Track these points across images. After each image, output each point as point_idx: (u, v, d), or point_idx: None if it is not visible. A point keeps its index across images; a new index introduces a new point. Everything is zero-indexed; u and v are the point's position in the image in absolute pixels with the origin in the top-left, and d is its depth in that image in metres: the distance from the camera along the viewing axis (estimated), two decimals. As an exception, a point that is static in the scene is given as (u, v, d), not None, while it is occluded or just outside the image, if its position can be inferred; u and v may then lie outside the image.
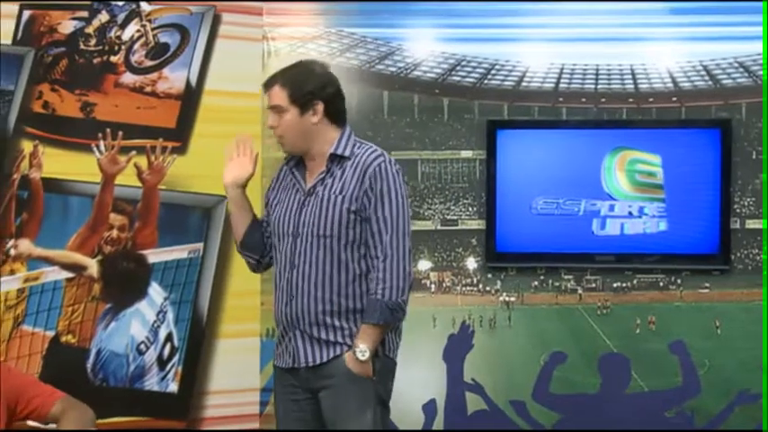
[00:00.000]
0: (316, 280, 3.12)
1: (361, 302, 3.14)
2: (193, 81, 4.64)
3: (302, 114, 3.14)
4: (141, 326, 4.56)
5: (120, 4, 4.54)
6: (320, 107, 3.15)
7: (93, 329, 4.51)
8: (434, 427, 4.81)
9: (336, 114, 3.20)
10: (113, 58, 4.55)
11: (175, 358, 4.62)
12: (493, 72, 4.86)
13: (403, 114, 4.92)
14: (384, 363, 3.16)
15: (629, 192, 4.74)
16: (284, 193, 3.24)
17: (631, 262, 4.81)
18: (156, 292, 4.60)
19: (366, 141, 3.26)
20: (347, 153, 3.17)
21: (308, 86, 3.14)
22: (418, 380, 4.72)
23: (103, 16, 4.51)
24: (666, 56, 4.79)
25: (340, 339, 3.13)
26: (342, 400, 3.11)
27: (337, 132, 3.19)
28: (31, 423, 3.26)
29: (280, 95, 3.14)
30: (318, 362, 3.13)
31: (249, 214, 3.29)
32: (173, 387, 4.63)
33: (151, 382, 4.59)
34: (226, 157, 3.28)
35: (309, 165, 3.22)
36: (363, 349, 3.07)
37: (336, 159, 3.17)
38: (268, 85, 3.19)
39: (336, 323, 3.13)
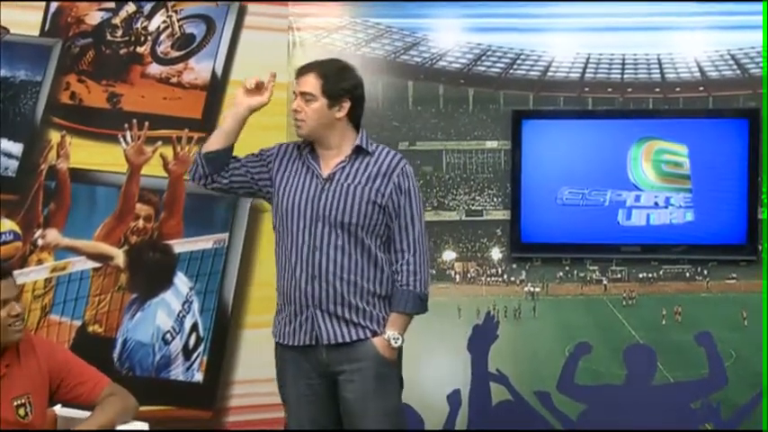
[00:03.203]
0: (342, 263, 3.24)
1: (380, 288, 3.28)
2: (219, 71, 4.65)
3: (330, 107, 3.26)
4: (167, 316, 4.59)
5: (147, -6, 4.57)
6: (347, 105, 3.28)
7: (120, 319, 4.54)
8: (459, 417, 4.80)
9: (356, 117, 3.33)
10: (140, 49, 4.57)
11: (201, 348, 4.65)
12: (518, 62, 4.84)
13: (428, 105, 4.91)
14: (401, 346, 3.32)
15: (655, 182, 4.71)
16: (296, 178, 3.32)
17: (657, 252, 4.78)
18: (181, 282, 4.62)
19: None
20: (370, 149, 3.31)
21: (342, 83, 3.27)
22: (443, 370, 4.72)
23: (130, 7, 4.53)
24: (693, 45, 4.74)
25: (362, 322, 3.26)
26: (369, 382, 3.26)
27: (353, 132, 3.32)
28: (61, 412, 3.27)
29: (313, 84, 3.26)
30: (341, 340, 3.25)
31: (234, 138, 3.33)
32: (198, 377, 4.66)
33: (177, 372, 4.62)
34: (245, 84, 3.37)
35: (324, 153, 3.32)
36: (396, 336, 3.27)
37: (360, 152, 3.30)
38: (303, 71, 3.30)
39: (360, 305, 3.25)
